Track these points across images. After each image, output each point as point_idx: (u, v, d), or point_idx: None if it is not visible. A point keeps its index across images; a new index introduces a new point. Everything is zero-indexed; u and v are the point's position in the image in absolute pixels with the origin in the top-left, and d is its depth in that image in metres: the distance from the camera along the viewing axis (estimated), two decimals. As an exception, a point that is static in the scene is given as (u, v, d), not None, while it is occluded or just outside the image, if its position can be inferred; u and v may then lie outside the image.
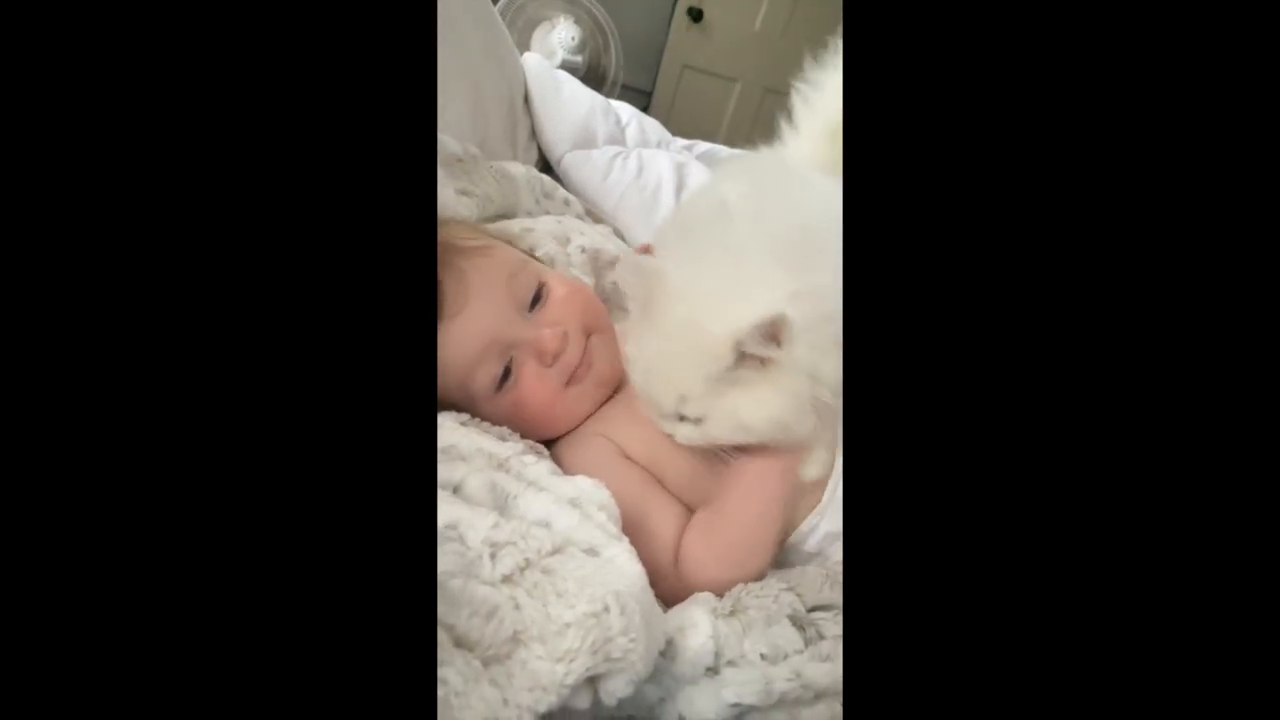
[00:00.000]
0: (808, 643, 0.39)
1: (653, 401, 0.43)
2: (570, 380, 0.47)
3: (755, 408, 0.40)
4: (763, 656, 0.37)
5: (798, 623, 0.39)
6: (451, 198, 0.57)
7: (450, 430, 0.41)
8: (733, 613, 0.39)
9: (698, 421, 0.42)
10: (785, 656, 0.37)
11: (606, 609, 0.30)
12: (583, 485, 0.39)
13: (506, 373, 0.46)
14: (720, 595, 0.40)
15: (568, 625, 0.30)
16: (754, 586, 0.41)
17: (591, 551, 0.34)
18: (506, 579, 0.31)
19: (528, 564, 0.32)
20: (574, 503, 0.37)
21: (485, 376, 0.46)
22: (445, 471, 0.37)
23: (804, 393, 0.40)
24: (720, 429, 0.41)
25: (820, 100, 0.56)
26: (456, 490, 0.37)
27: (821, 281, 0.39)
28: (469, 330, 0.45)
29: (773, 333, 0.37)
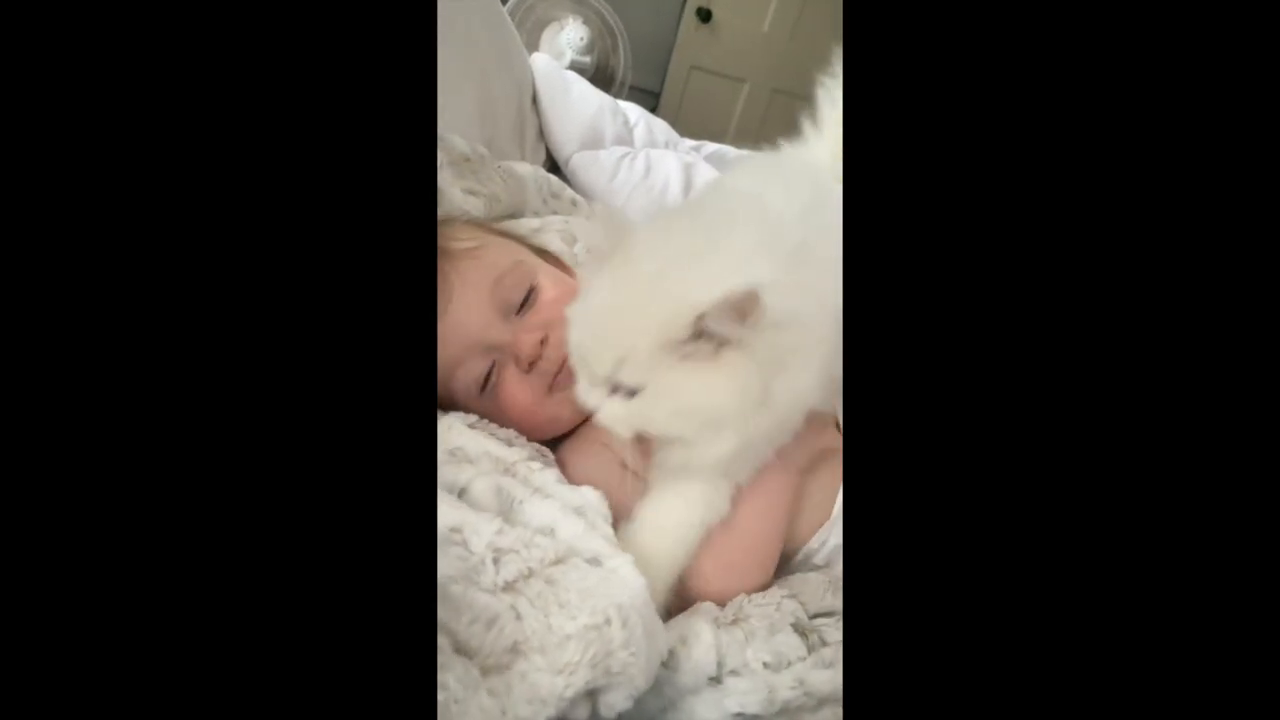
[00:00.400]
0: (810, 650, 0.39)
1: (588, 361, 0.38)
2: (553, 385, 0.46)
3: (701, 392, 0.35)
4: (765, 665, 0.37)
5: (800, 630, 0.39)
6: (459, 196, 0.57)
7: (459, 432, 0.41)
8: (735, 622, 0.38)
9: (630, 395, 0.36)
10: (788, 664, 0.37)
11: (608, 621, 0.30)
12: (588, 495, 0.38)
13: (491, 375, 0.46)
14: (722, 605, 0.40)
15: (568, 637, 0.29)
16: (756, 595, 0.41)
17: (595, 561, 0.34)
18: (509, 586, 0.31)
19: (530, 573, 0.32)
20: (579, 511, 0.37)
21: (467, 378, 0.46)
22: (451, 473, 0.37)
23: (753, 393, 0.36)
24: (654, 408, 0.36)
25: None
26: (462, 493, 0.36)
27: (806, 279, 0.36)
28: (448, 334, 0.45)
29: (743, 310, 0.32)
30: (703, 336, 0.34)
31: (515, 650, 0.29)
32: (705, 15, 2.01)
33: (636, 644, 0.30)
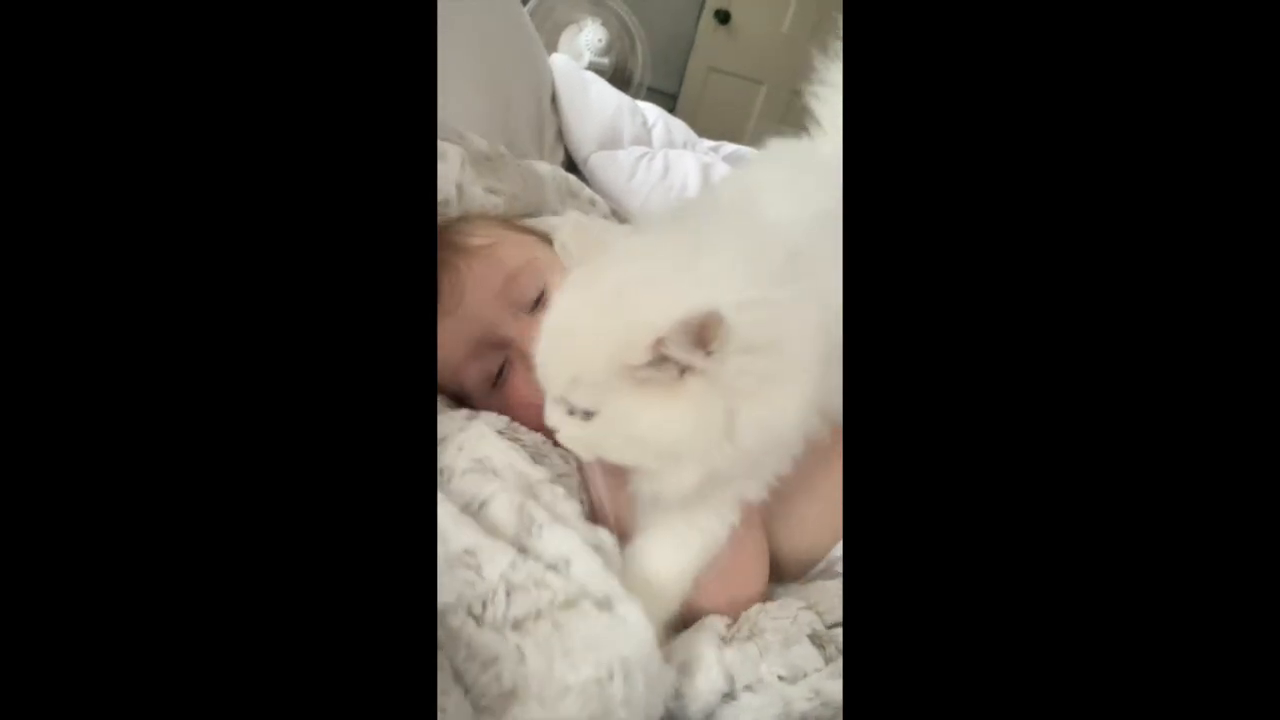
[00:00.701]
0: (827, 660, 0.38)
1: (546, 378, 0.36)
2: None
3: (655, 422, 0.32)
4: (780, 678, 0.36)
5: (817, 640, 0.38)
6: (480, 194, 0.57)
7: (490, 442, 0.40)
8: (750, 637, 0.38)
9: (585, 417, 0.34)
10: (804, 675, 0.37)
11: (611, 676, 0.30)
12: (603, 535, 0.37)
13: (503, 371, 0.46)
14: (734, 617, 0.39)
15: (568, 689, 0.29)
16: (771, 607, 0.40)
17: (605, 604, 0.33)
18: (517, 625, 0.31)
19: (539, 614, 0.31)
20: (598, 548, 0.35)
21: (478, 374, 0.46)
22: (474, 485, 0.37)
23: (714, 425, 0.32)
24: (607, 433, 0.34)
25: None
26: (482, 507, 0.36)
27: (784, 298, 0.33)
28: (459, 329, 0.45)
29: (703, 335, 0.30)
30: (664, 361, 0.31)
31: (512, 695, 0.29)
32: (724, 17, 2.01)
33: (636, 701, 0.30)
